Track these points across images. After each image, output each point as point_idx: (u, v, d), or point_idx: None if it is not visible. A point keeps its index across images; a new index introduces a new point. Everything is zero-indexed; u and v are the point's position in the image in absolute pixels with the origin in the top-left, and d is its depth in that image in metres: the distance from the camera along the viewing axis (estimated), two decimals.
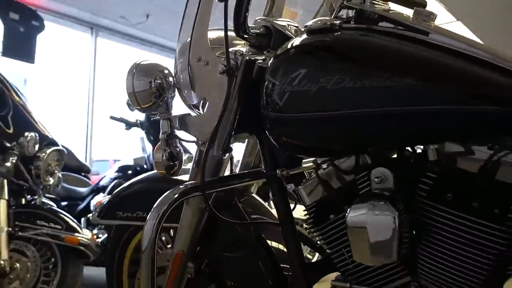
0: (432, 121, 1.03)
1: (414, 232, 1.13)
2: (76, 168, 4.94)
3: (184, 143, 1.49)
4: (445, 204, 1.08)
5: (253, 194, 1.75)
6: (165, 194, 1.29)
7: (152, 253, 1.31)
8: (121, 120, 4.08)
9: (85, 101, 6.19)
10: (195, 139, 1.46)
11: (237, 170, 1.67)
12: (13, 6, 4.93)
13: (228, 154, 1.49)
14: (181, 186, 1.32)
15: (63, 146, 3.30)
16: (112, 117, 4.07)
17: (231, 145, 1.48)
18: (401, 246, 1.07)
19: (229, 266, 1.55)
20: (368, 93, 1.04)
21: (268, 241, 1.53)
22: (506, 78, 1.00)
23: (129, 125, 4.06)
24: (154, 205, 1.29)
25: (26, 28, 5.02)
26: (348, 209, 1.14)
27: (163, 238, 1.83)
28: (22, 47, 5.03)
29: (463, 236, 1.05)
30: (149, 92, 1.40)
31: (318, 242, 1.34)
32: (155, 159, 1.45)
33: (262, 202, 1.74)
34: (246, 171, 1.57)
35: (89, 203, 4.50)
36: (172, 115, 1.43)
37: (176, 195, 1.28)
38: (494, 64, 1.01)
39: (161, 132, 1.44)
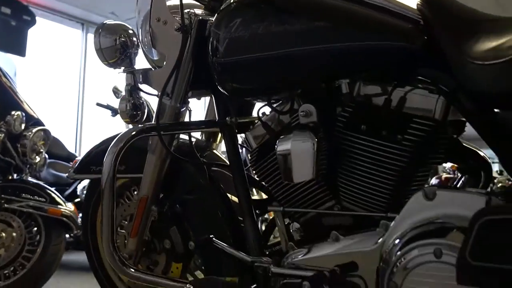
0: (344, 57, 1.23)
1: (335, 159, 1.32)
2: (64, 158, 5.11)
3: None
4: (359, 132, 1.28)
5: (215, 151, 1.95)
6: (123, 132, 1.48)
7: (111, 186, 1.48)
8: (107, 107, 4.26)
9: (75, 94, 6.39)
10: (156, 92, 1.66)
11: None
12: (5, 0, 5.09)
13: (185, 106, 1.69)
14: (139, 125, 1.51)
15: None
16: (98, 104, 4.25)
17: (189, 99, 1.68)
18: (319, 166, 1.27)
19: (187, 208, 1.74)
20: (290, 35, 1.25)
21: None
22: (406, 22, 1.21)
23: (114, 111, 4.24)
24: (112, 142, 1.48)
25: (17, 22, 5.18)
26: (277, 142, 1.34)
27: (135, 192, 2.01)
28: (13, 41, 5.19)
29: (373, 158, 1.25)
30: (114, 49, 1.60)
31: (260, 179, 1.54)
32: (119, 109, 1.64)
33: (224, 158, 1.93)
34: (200, 120, 1.76)
35: (75, 188, 4.67)
36: (136, 69, 1.62)
37: (134, 133, 1.47)
38: (395, 11, 1.22)
39: (125, 84, 1.63)
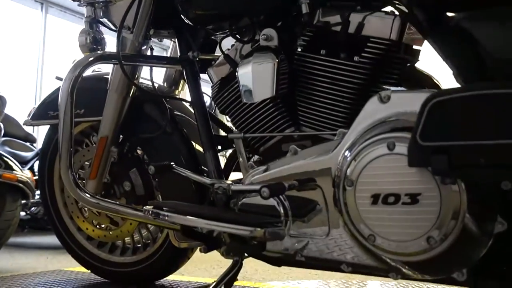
0: None
1: (295, 82, 1.35)
2: (22, 138, 4.98)
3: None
4: (318, 54, 1.31)
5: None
6: (81, 57, 1.47)
7: (69, 109, 1.46)
8: None
9: (34, 71, 6.21)
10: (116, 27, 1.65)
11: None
12: None
13: (147, 44, 1.69)
14: (98, 52, 1.50)
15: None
16: (57, 78, 4.16)
17: (152, 38, 1.69)
18: (279, 85, 1.29)
19: (147, 146, 1.73)
20: None
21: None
22: None
23: None
24: (70, 67, 1.46)
25: None
26: (238, 65, 1.36)
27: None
28: None
29: (331, 77, 1.28)
30: None
31: (221, 110, 1.55)
32: (79, 42, 1.62)
33: (187, 105, 1.93)
34: (163, 55, 1.76)
35: (32, 166, 4.55)
36: (96, 0, 1.61)
37: (91, 58, 1.46)
38: None
39: (84, 16, 1.62)
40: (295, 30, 1.40)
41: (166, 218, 1.27)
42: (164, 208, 1.31)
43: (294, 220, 1.23)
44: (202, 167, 1.68)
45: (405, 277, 1.10)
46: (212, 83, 1.58)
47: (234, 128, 1.52)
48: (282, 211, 1.23)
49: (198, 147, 1.76)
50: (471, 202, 0.95)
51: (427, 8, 1.13)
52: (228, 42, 1.59)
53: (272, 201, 1.26)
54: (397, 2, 1.22)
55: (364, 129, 1.11)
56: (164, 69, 1.93)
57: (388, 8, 1.31)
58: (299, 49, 1.35)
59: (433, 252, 0.99)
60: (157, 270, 1.86)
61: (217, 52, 1.72)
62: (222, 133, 1.75)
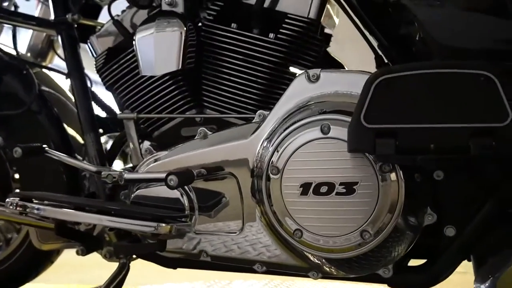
0: None
1: (200, 56, 1.17)
2: None
3: None
4: (229, 26, 1.15)
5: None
6: None
7: None
8: None
9: None
10: None
11: None
12: None
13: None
14: None
15: None
16: None
17: None
18: (185, 57, 1.11)
19: (4, 126, 1.41)
20: None
21: None
22: None
23: None
24: None
25: None
26: (136, 32, 1.14)
27: None
28: None
29: (243, 53, 1.13)
30: None
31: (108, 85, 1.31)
32: None
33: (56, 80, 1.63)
34: (31, 15, 1.45)
35: None
36: None
37: None
38: None
39: None
40: None
41: (39, 212, 1.01)
42: (34, 200, 1.04)
43: (200, 214, 1.06)
44: (76, 155, 1.43)
45: (327, 275, 0.99)
46: (95, 53, 1.34)
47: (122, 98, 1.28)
48: (187, 203, 1.05)
49: (70, 131, 1.50)
50: (408, 193, 0.88)
51: None
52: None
53: (173, 193, 1.07)
54: None
55: (290, 110, 0.98)
56: (29, 37, 1.62)
57: None
58: (206, 19, 1.18)
59: (366, 247, 0.90)
60: (12, 277, 1.54)
61: (101, 19, 1.48)
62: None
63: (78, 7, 1.37)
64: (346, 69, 0.98)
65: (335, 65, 1.32)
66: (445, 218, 0.93)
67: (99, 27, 1.40)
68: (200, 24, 1.19)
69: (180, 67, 1.11)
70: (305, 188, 0.91)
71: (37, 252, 1.48)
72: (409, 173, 0.89)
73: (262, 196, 0.96)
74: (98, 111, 1.46)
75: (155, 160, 1.12)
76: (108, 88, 1.30)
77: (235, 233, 1.04)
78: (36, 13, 1.62)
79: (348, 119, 0.89)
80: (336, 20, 1.32)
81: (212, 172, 1.04)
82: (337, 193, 0.89)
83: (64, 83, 1.59)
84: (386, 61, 1.12)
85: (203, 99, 1.20)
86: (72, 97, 1.57)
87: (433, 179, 0.91)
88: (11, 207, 1.04)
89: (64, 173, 1.37)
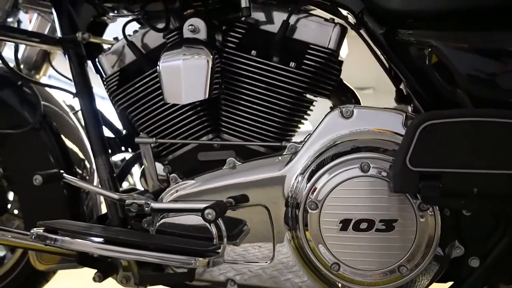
0: None
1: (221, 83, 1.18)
2: None
3: None
4: (251, 55, 1.16)
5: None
6: None
7: None
8: None
9: None
10: None
11: None
12: None
13: (14, 15, 1.33)
14: None
15: None
16: None
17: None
18: (212, 86, 1.11)
19: (12, 144, 1.36)
20: None
21: None
22: None
23: None
24: None
25: None
26: (160, 56, 1.13)
27: None
28: None
29: (264, 81, 1.15)
30: None
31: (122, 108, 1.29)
32: None
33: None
34: (36, 32, 1.40)
35: None
36: None
37: None
38: None
39: None
40: (223, 23, 1.23)
41: (69, 246, 0.98)
42: (59, 232, 1.01)
43: (228, 243, 1.07)
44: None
45: None
46: (105, 73, 1.31)
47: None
48: (215, 232, 1.06)
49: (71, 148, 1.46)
50: (443, 229, 0.93)
51: (381, 21, 1.08)
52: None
53: (201, 221, 1.07)
54: (350, 7, 1.14)
55: (325, 146, 1.00)
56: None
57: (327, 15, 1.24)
58: (227, 46, 1.18)
59: (401, 281, 0.94)
60: None
61: (106, 36, 1.45)
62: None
63: (86, 25, 1.34)
64: (378, 107, 1.01)
65: (347, 92, 1.37)
66: (470, 250, 0.98)
67: (105, 45, 1.38)
68: (219, 50, 1.19)
69: (207, 96, 1.11)
70: (344, 224, 0.94)
71: (34, 271, 1.44)
72: (441, 209, 0.93)
73: (298, 229, 0.98)
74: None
75: (179, 189, 1.12)
76: (121, 111, 1.28)
77: (265, 262, 1.05)
78: (30, 24, 1.56)
79: (387, 157, 0.93)
80: (347, 47, 1.35)
81: (241, 203, 1.05)
82: (377, 230, 0.92)
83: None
84: (405, 93, 1.16)
85: (221, 124, 1.21)
86: (70, 113, 1.56)
87: (462, 214, 0.96)
88: (36, 239, 1.00)
89: (67, 198, 1.34)
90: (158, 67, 1.13)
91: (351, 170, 0.95)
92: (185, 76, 1.09)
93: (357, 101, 1.38)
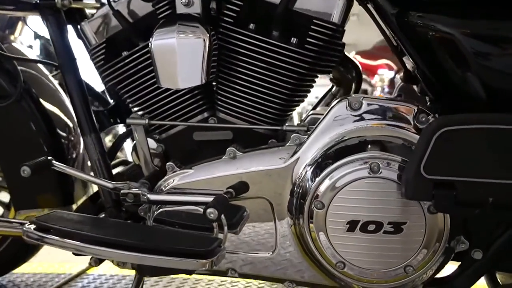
0: None
1: (218, 61, 1.09)
2: None
3: None
4: (249, 30, 1.07)
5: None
6: None
7: None
8: None
9: None
10: None
11: None
12: None
13: None
14: None
15: None
16: None
17: None
18: (209, 69, 1.03)
19: None
20: None
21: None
22: None
23: None
24: None
25: None
26: (152, 34, 1.03)
27: None
28: None
29: (264, 61, 1.07)
30: None
31: (107, 85, 1.20)
32: None
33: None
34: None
35: None
36: None
37: None
38: None
39: None
40: None
41: (63, 245, 0.94)
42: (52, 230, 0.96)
43: (229, 232, 1.04)
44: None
45: None
46: (89, 43, 1.20)
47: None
48: (217, 229, 1.02)
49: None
50: (451, 227, 0.91)
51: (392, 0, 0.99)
52: None
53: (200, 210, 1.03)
54: None
55: (332, 140, 0.95)
56: None
57: None
58: (224, 21, 1.08)
59: (406, 280, 0.94)
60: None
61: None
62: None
63: None
64: (388, 97, 0.96)
65: (351, 63, 1.30)
66: (474, 243, 0.97)
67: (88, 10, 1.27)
68: (216, 25, 1.09)
69: (204, 81, 1.03)
70: (352, 225, 0.91)
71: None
72: None
73: (303, 227, 0.95)
74: None
75: (177, 179, 1.07)
76: (110, 87, 1.20)
77: (267, 253, 1.04)
78: None
79: (398, 158, 0.89)
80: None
81: (242, 192, 1.01)
82: (385, 232, 0.90)
83: None
84: (413, 74, 1.10)
85: (217, 102, 1.14)
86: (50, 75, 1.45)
87: None
88: (28, 237, 0.96)
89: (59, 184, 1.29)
90: (150, 44, 1.04)
91: (360, 170, 0.91)
92: (180, 59, 1.01)
93: (357, 71, 1.32)
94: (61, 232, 0.93)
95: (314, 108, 1.35)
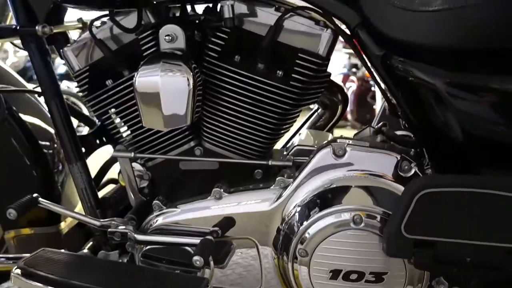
0: None
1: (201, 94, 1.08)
2: None
3: None
4: (234, 65, 1.06)
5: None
6: None
7: None
8: None
9: None
10: None
11: None
12: None
13: None
14: None
15: None
16: None
17: None
18: (194, 108, 1.02)
19: None
20: None
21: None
22: None
23: None
24: None
25: None
26: (136, 72, 1.02)
27: None
28: None
29: (249, 96, 1.06)
30: None
31: (91, 112, 1.19)
32: None
33: (11, 71, 1.43)
34: None
35: None
36: None
37: None
38: None
39: None
40: (205, 26, 1.10)
41: None
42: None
43: (215, 267, 1.06)
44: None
45: None
46: (72, 68, 1.18)
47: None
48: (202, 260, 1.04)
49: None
50: (432, 276, 0.94)
51: (376, 42, 0.98)
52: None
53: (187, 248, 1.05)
54: (345, 19, 1.02)
55: (317, 187, 0.96)
56: None
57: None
58: (209, 56, 1.07)
59: None
60: None
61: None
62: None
63: (44, 15, 1.17)
64: (371, 146, 0.96)
65: (336, 87, 1.29)
66: (453, 281, 1.00)
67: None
68: (200, 59, 1.08)
69: (189, 122, 1.02)
70: (334, 273, 0.93)
71: None
72: None
73: (288, 275, 0.97)
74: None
75: (163, 217, 1.08)
76: (97, 116, 1.19)
77: None
78: None
79: (380, 210, 0.91)
80: None
81: (229, 229, 1.02)
82: (367, 281, 0.93)
83: None
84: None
85: (203, 131, 1.14)
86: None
87: None
88: (14, 282, 0.98)
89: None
90: (134, 82, 1.02)
91: (343, 222, 0.92)
92: (166, 100, 1.00)
93: (342, 94, 1.32)
94: (48, 280, 0.94)
95: (298, 130, 1.35)
